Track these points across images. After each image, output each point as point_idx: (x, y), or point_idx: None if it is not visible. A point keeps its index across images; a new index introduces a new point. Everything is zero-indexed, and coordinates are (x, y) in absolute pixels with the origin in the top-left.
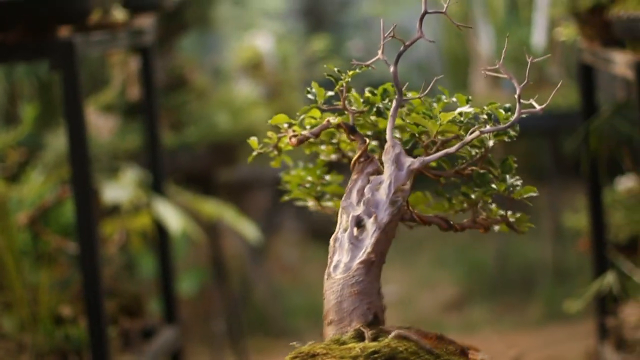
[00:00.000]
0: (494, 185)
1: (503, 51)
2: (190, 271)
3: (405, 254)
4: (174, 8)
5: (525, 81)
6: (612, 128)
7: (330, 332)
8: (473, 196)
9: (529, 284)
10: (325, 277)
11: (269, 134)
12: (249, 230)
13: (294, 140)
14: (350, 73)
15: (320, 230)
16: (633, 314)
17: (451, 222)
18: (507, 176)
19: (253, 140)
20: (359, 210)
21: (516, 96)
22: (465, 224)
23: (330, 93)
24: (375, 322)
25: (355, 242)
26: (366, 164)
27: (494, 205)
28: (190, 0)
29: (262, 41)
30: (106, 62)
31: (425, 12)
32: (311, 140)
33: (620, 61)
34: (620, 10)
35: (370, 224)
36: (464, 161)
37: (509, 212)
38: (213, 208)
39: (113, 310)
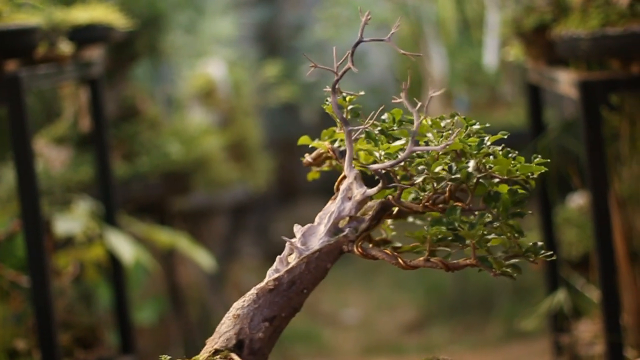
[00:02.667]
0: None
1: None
2: (149, 300)
3: (364, 277)
4: (123, 38)
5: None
6: (560, 146)
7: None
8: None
9: (488, 303)
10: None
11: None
12: (203, 258)
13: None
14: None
15: None
16: (587, 330)
17: (400, 259)
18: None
19: (306, 159)
20: (298, 237)
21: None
22: (417, 263)
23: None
24: (237, 349)
25: (279, 268)
26: None
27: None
28: (140, 30)
29: (214, 68)
30: (59, 94)
31: (360, 41)
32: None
33: (564, 80)
34: (563, 30)
35: (295, 251)
36: (430, 194)
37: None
38: (167, 237)
39: (68, 342)
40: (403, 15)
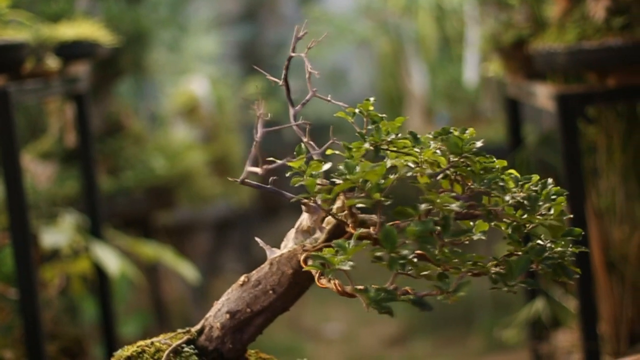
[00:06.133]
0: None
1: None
2: (134, 314)
3: None
4: (108, 55)
5: None
6: (538, 159)
7: None
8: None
9: (468, 316)
10: None
11: None
12: (188, 271)
13: None
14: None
15: None
16: (566, 340)
17: (316, 278)
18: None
19: None
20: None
21: None
22: (322, 283)
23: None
24: (200, 332)
25: None
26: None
27: None
28: (124, 47)
29: (197, 85)
30: (44, 110)
31: (291, 57)
32: None
33: (541, 93)
34: (540, 44)
35: (267, 252)
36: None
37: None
38: (152, 250)
39: (55, 352)
40: (384, 33)
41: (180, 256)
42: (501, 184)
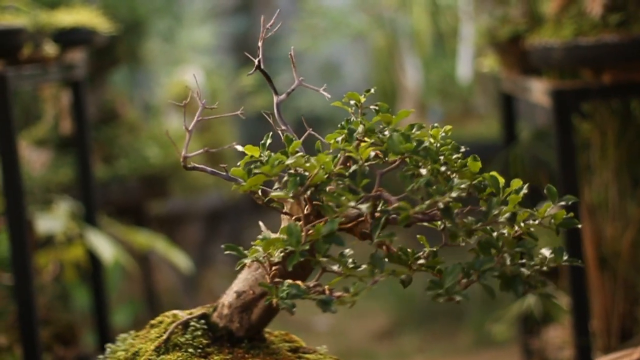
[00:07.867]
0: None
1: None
2: (125, 303)
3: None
4: (105, 43)
5: None
6: (532, 154)
7: None
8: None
9: (457, 312)
10: None
11: None
12: (180, 260)
13: None
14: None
15: None
16: (557, 335)
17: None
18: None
19: None
20: None
21: None
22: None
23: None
24: (213, 310)
25: None
26: None
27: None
28: (120, 36)
29: (191, 76)
30: (39, 97)
31: (259, 45)
32: None
33: (537, 89)
34: (536, 40)
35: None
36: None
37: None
38: (145, 238)
39: (47, 338)
40: (379, 27)
41: (173, 245)
42: (434, 187)
